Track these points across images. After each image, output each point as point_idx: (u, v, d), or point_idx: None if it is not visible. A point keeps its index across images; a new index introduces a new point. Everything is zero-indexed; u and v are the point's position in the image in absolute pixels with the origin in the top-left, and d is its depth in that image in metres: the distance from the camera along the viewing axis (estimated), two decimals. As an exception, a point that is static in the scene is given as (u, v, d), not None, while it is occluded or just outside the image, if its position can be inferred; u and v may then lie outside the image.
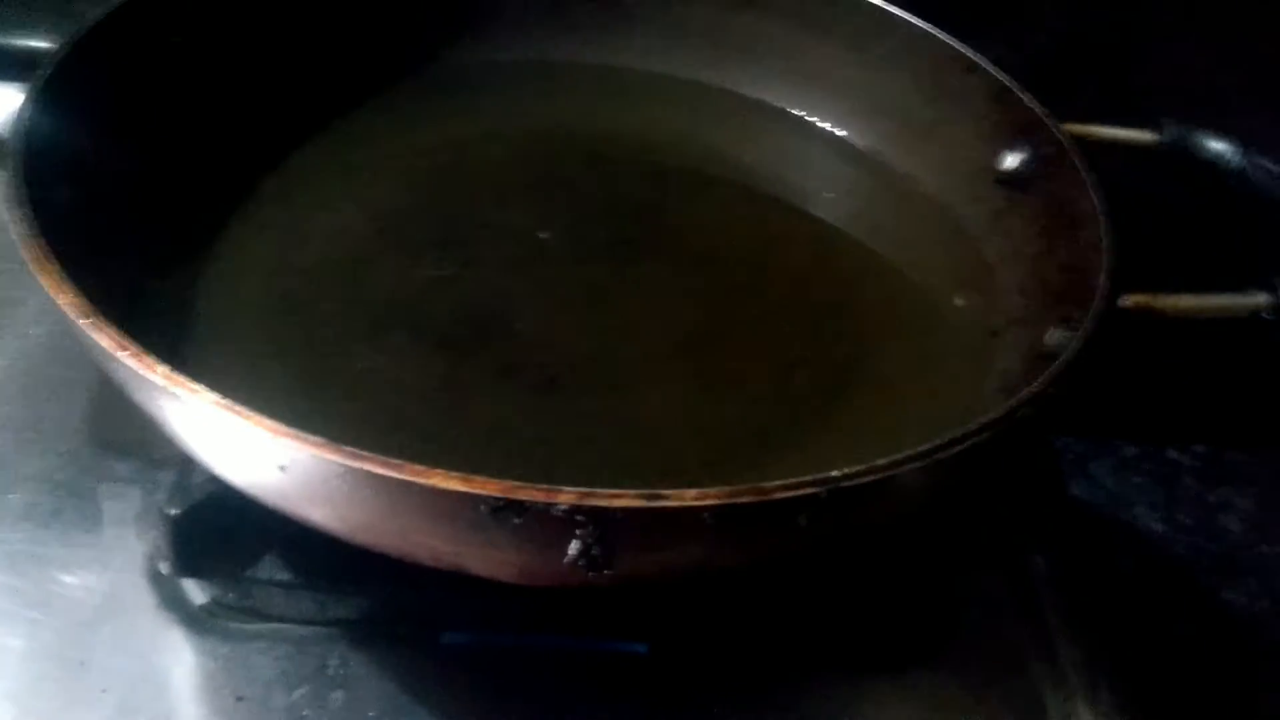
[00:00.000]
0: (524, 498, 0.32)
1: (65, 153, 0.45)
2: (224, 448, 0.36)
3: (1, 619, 0.46)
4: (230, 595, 0.46)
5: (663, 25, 0.66)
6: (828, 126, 0.64)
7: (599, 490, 0.33)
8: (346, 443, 0.34)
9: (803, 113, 0.65)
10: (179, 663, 0.45)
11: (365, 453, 0.33)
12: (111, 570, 0.47)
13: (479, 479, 0.32)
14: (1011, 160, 0.56)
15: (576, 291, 0.53)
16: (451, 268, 0.53)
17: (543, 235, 0.56)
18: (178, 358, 0.45)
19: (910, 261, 0.57)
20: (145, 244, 0.49)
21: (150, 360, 0.35)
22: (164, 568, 0.46)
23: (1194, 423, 0.67)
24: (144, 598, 0.46)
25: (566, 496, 0.32)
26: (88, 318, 0.36)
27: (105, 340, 0.35)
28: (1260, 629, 0.54)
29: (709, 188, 0.61)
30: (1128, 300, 0.44)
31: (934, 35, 0.59)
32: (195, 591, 0.46)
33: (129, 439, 0.50)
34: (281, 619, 0.46)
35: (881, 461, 0.35)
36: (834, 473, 0.34)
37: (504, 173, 0.60)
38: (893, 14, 0.61)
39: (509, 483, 0.33)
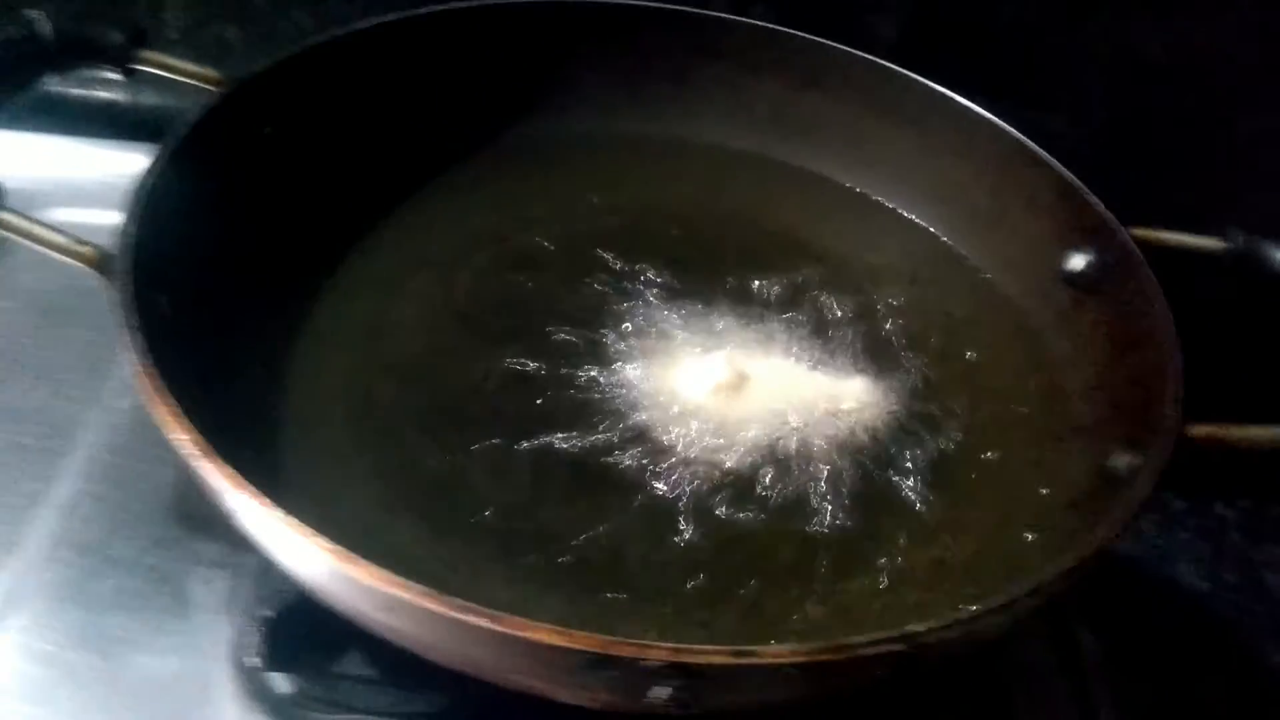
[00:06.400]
0: (618, 653, 0.34)
1: (162, 261, 0.46)
2: (331, 585, 0.38)
3: (93, 705, 0.47)
4: (316, 688, 0.48)
5: (732, 102, 0.66)
6: (892, 206, 0.65)
7: (689, 646, 0.34)
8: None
9: (867, 191, 0.65)
10: (264, 752, 0.47)
11: (470, 605, 0.34)
12: (201, 658, 0.49)
13: (577, 634, 0.34)
14: (1078, 261, 0.56)
15: (647, 389, 0.54)
16: (525, 360, 0.54)
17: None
18: (271, 462, 0.48)
19: (974, 354, 0.58)
20: (234, 340, 0.51)
21: (267, 502, 0.36)
22: (252, 662, 0.48)
23: (1241, 476, 0.68)
24: (231, 687, 0.48)
25: (658, 653, 0.34)
26: (205, 458, 0.37)
27: (219, 479, 0.37)
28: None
29: (777, 272, 0.62)
30: (1196, 430, 0.44)
31: (1000, 127, 0.60)
32: (281, 683, 0.48)
33: (216, 519, 0.52)
34: (365, 711, 0.47)
35: (963, 616, 0.36)
36: (917, 628, 0.35)
37: (576, 255, 0.60)
38: (957, 102, 0.61)
39: (604, 638, 0.34)
